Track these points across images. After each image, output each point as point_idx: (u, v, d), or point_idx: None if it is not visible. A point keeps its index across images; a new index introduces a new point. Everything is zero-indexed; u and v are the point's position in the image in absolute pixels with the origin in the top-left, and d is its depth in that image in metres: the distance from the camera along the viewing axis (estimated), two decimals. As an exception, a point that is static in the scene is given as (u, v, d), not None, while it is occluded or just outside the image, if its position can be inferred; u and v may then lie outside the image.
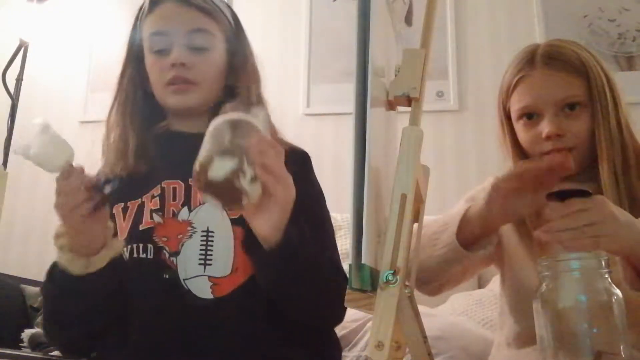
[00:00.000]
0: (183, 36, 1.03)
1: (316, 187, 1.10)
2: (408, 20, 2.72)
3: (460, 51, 2.67)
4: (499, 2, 2.72)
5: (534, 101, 1.07)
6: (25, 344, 1.74)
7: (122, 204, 1.02)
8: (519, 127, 1.11)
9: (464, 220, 0.99)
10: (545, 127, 1.05)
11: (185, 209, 0.99)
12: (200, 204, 0.99)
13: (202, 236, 0.96)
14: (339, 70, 2.69)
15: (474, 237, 0.99)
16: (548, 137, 1.04)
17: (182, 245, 0.96)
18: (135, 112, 1.07)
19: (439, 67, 2.62)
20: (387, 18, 0.76)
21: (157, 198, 1.00)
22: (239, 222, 0.96)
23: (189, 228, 0.98)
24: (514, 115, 1.11)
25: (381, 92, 0.64)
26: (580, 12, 2.58)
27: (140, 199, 1.02)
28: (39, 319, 1.94)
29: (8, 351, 1.55)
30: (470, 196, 1.16)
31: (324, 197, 1.10)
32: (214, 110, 1.04)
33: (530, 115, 1.07)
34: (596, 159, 1.06)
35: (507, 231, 1.10)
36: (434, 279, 1.04)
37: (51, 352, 1.65)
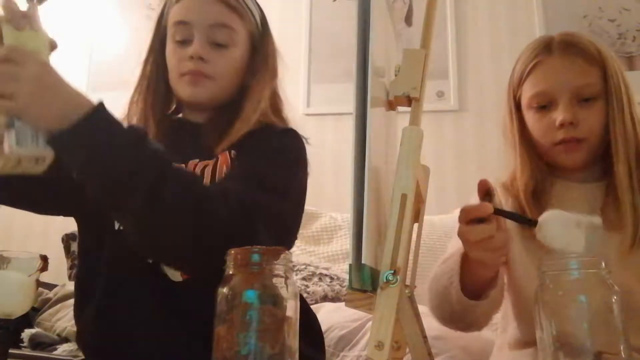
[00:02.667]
0: (205, 29, 1.03)
1: (281, 144, 1.02)
2: (408, 20, 2.72)
3: (460, 51, 2.67)
4: (499, 2, 2.72)
5: (550, 87, 1.05)
6: (25, 344, 1.74)
7: None
8: (530, 115, 1.09)
9: (463, 275, 0.97)
10: (559, 114, 1.03)
11: None
12: None
13: None
14: (339, 70, 2.69)
15: (482, 285, 0.97)
16: (561, 125, 1.03)
17: None
18: (156, 101, 1.08)
19: (439, 67, 2.62)
20: (387, 18, 0.76)
21: None
22: None
23: None
24: (525, 103, 1.10)
25: (381, 92, 0.64)
26: (580, 12, 2.58)
27: None
28: (39, 319, 1.94)
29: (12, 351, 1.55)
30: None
31: (293, 160, 1.01)
32: (225, 106, 1.07)
33: (543, 103, 1.06)
34: (607, 154, 1.05)
35: (514, 247, 1.07)
36: (462, 319, 1.02)
37: (51, 351, 1.66)
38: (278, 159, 0.99)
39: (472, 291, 0.96)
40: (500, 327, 1.16)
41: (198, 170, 0.99)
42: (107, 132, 0.78)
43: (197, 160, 1.00)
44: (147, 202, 0.77)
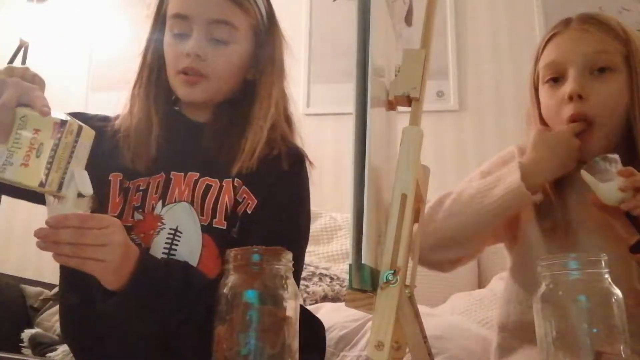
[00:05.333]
0: (204, 25, 0.98)
1: (291, 192, 1.03)
2: (408, 20, 2.72)
3: (460, 51, 2.67)
4: (499, 2, 2.72)
5: (561, 55, 1.00)
6: (25, 344, 1.74)
7: (121, 176, 1.00)
8: (544, 92, 1.04)
9: (525, 172, 0.95)
10: (567, 86, 0.97)
11: (160, 202, 0.97)
12: (176, 201, 0.96)
13: (169, 234, 0.94)
14: (339, 70, 2.69)
15: (535, 188, 0.96)
16: (570, 98, 0.96)
17: (152, 241, 0.94)
18: (159, 93, 1.04)
19: (439, 67, 2.62)
20: (387, 18, 0.76)
21: (141, 193, 0.98)
22: (209, 230, 0.95)
23: (159, 224, 0.95)
24: (540, 78, 1.05)
25: (381, 92, 0.64)
26: (580, 12, 2.58)
27: (129, 182, 1.00)
28: (39, 319, 1.94)
29: (9, 355, 1.55)
30: (485, 170, 1.12)
31: (301, 203, 1.04)
32: (227, 103, 1.04)
33: (555, 75, 1.01)
34: (629, 136, 0.98)
35: (528, 223, 1.05)
36: (460, 243, 1.00)
37: (50, 352, 1.66)
38: (295, 212, 1.01)
39: None
40: (501, 310, 1.13)
41: (199, 189, 0.97)
42: (156, 285, 0.83)
43: (198, 174, 0.98)
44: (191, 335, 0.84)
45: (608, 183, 0.87)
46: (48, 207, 0.78)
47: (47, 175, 0.74)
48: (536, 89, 1.08)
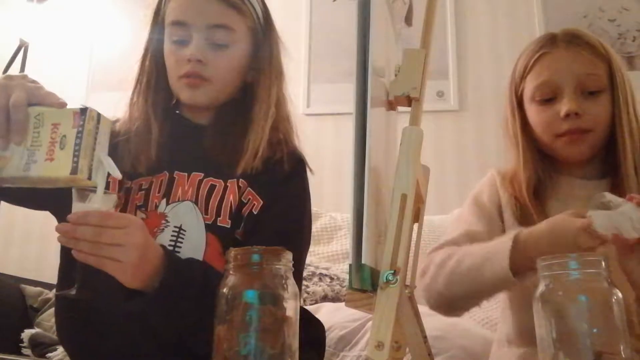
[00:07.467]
0: (203, 30, 1.00)
1: (295, 193, 1.05)
2: (408, 20, 2.72)
3: (460, 51, 2.67)
4: (499, 2, 2.72)
5: (555, 76, 1.05)
6: (25, 344, 1.74)
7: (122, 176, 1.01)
8: (533, 108, 1.08)
9: (514, 251, 0.91)
10: (564, 105, 1.02)
11: (164, 201, 0.98)
12: (179, 200, 0.97)
13: (173, 231, 0.95)
14: (339, 70, 2.69)
15: (525, 267, 0.91)
16: (567, 116, 1.02)
17: (157, 239, 0.94)
18: (157, 99, 1.05)
19: (439, 67, 2.62)
20: (387, 18, 0.76)
21: (143, 192, 0.99)
22: (213, 229, 0.96)
23: (163, 221, 0.96)
24: (528, 95, 1.09)
25: (381, 92, 0.64)
26: (580, 12, 2.58)
27: (130, 181, 1.00)
28: (39, 319, 1.94)
29: (9, 356, 1.56)
30: (474, 197, 1.14)
31: (304, 204, 1.06)
32: (228, 105, 1.06)
33: (547, 96, 1.05)
34: (609, 150, 1.05)
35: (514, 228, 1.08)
36: (469, 304, 1.03)
37: (50, 352, 1.66)
38: (299, 213, 1.02)
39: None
40: (500, 320, 1.16)
41: (204, 189, 0.98)
42: (181, 287, 0.83)
43: (202, 174, 0.99)
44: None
45: (620, 213, 0.80)
46: (73, 204, 0.77)
47: (76, 162, 0.73)
48: (519, 103, 1.11)
